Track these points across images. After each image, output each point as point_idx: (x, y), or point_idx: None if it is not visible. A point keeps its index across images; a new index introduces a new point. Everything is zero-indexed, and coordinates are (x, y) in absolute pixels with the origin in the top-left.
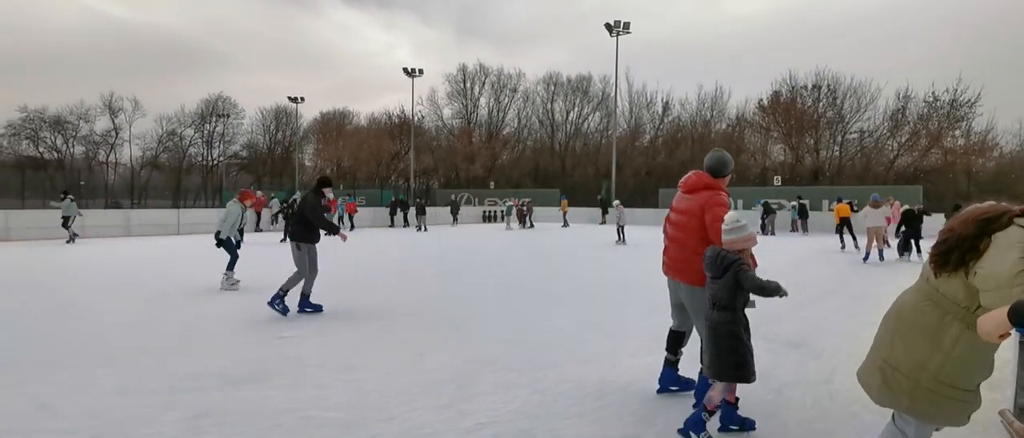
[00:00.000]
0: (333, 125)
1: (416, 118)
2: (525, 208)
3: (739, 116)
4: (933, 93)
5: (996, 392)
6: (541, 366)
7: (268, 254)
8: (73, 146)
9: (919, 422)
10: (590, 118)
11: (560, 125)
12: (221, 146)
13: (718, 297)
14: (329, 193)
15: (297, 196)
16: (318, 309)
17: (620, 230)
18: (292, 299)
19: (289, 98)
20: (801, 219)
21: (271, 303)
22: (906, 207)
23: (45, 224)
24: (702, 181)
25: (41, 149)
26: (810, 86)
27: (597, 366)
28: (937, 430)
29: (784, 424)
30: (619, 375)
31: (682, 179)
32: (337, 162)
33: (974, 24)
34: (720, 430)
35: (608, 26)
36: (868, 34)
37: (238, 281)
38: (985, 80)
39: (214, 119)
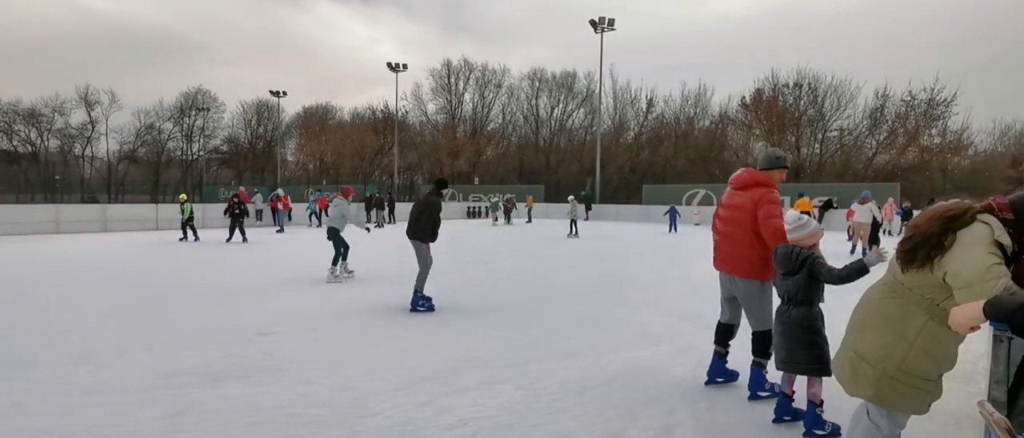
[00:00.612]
0: (316, 120)
1: (400, 113)
2: (508, 204)
3: (722, 113)
4: (910, 92)
5: (971, 385)
6: (525, 361)
7: (254, 252)
8: (48, 139)
9: (891, 412)
10: (575, 114)
11: (545, 121)
12: (201, 140)
13: (793, 293)
14: (446, 193)
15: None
16: (429, 308)
17: (572, 223)
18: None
19: (271, 92)
20: None
21: (413, 306)
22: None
23: (16, 219)
24: (754, 178)
25: (15, 143)
26: (792, 84)
27: (580, 361)
28: (901, 428)
29: (764, 419)
30: (602, 370)
31: (733, 176)
32: (320, 157)
33: (951, 27)
34: (774, 421)
35: (593, 22)
36: (848, 33)
37: (352, 271)
38: (961, 80)
39: (193, 113)
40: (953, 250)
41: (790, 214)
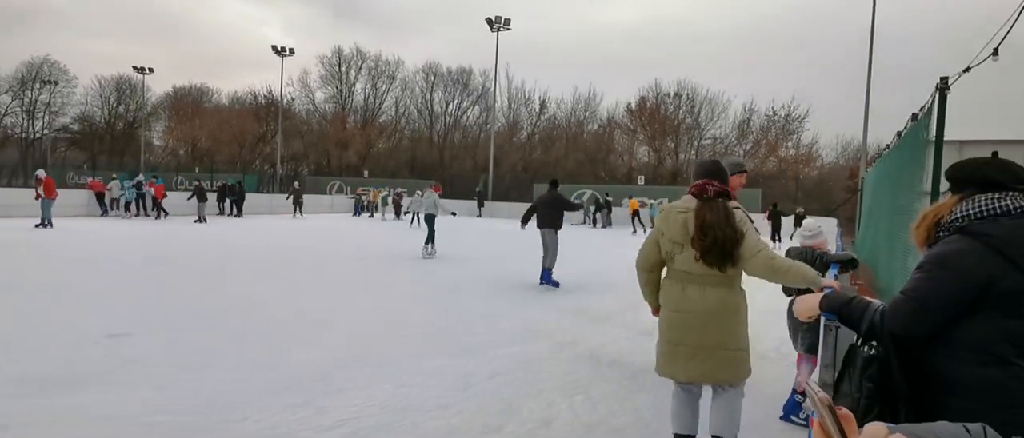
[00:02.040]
0: (188, 101)
1: (285, 100)
2: (400, 199)
3: (610, 118)
4: (772, 108)
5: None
6: (409, 359)
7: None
8: None
9: (739, 387)
10: (470, 111)
11: (439, 116)
12: (46, 117)
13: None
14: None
15: (138, 179)
16: (556, 285)
17: (415, 216)
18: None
19: (134, 68)
20: (603, 213)
21: (542, 281)
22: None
23: None
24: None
25: None
26: (673, 94)
27: (466, 359)
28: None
29: (637, 407)
30: (486, 366)
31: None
32: (192, 143)
33: (805, 52)
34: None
35: (489, 21)
36: (721, 50)
37: (435, 251)
38: (812, 100)
39: (37, 85)
40: (745, 238)
41: (809, 222)
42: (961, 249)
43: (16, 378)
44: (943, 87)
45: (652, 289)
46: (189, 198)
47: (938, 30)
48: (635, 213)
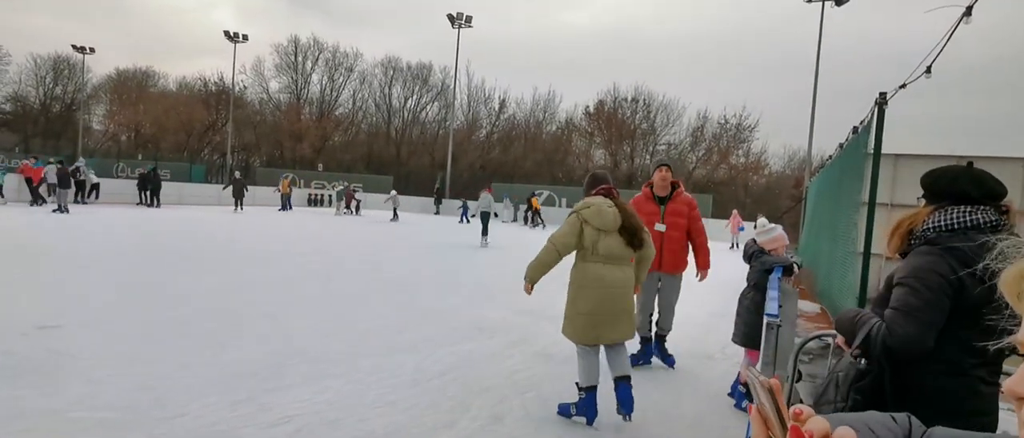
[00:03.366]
0: (132, 85)
1: (237, 88)
2: (351, 192)
3: (568, 120)
4: (725, 116)
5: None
6: (356, 355)
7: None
8: None
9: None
10: (429, 108)
11: (397, 111)
12: None
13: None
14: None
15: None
16: None
17: (395, 212)
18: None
19: (74, 47)
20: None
21: None
22: None
23: None
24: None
25: None
26: (630, 99)
27: (414, 354)
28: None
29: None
30: (436, 363)
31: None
32: (135, 128)
33: (756, 63)
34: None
35: (451, 17)
36: (677, 56)
37: (488, 242)
38: (762, 110)
39: None
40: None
41: (762, 219)
42: (933, 261)
43: None
44: (882, 102)
45: (547, 271)
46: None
47: (880, 47)
48: (537, 210)
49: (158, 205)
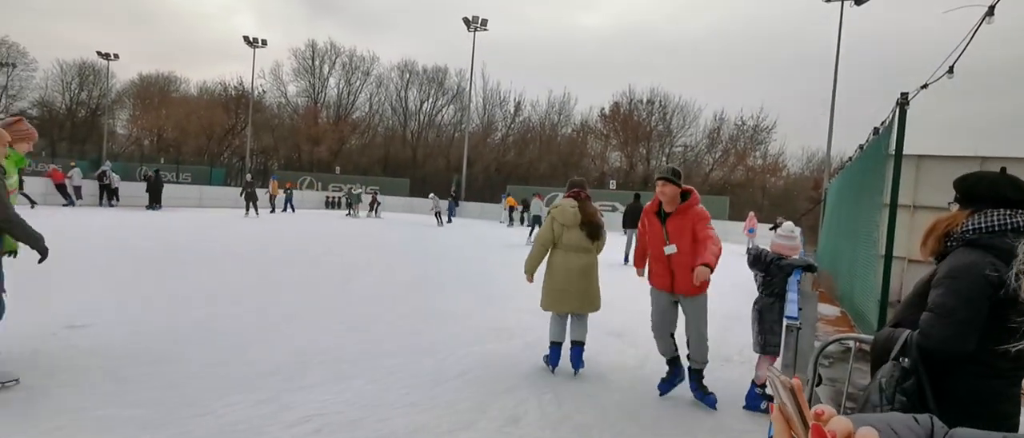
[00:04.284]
0: (155, 90)
1: (256, 92)
2: (374, 195)
3: (583, 122)
4: (742, 118)
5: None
6: (376, 356)
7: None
8: None
9: (588, 314)
10: (444, 111)
11: (413, 114)
12: (2, 101)
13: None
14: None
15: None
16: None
17: (438, 216)
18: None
19: (99, 53)
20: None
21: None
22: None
23: None
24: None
25: None
26: (645, 100)
27: (434, 355)
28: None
29: (603, 406)
30: (455, 364)
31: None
32: (158, 133)
33: (775, 64)
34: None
35: (466, 20)
36: (693, 58)
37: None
38: (780, 111)
39: None
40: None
41: (787, 224)
42: (973, 261)
43: None
44: (903, 102)
45: (539, 262)
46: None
47: (900, 46)
48: (512, 208)
49: (159, 207)
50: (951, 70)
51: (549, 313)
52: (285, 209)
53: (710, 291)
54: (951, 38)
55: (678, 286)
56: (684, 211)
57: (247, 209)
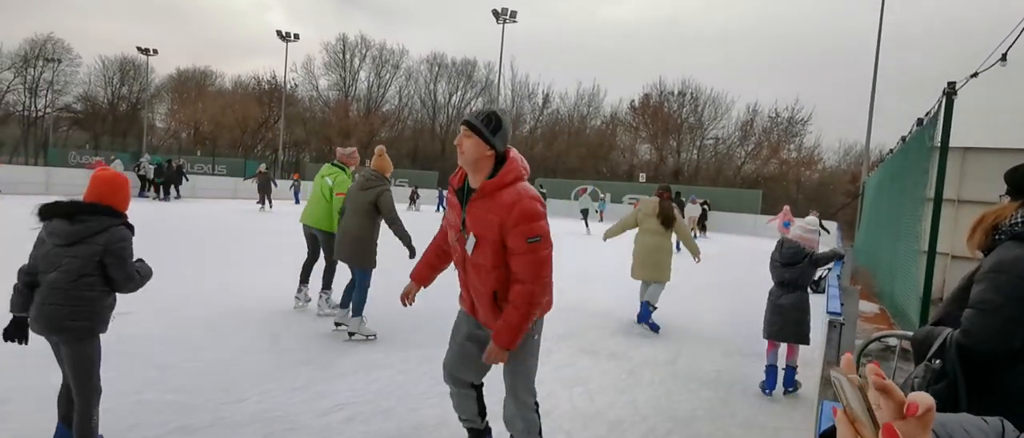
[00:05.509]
0: (192, 84)
1: (289, 86)
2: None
3: (613, 114)
4: (776, 110)
5: (808, 369)
6: (406, 347)
7: None
8: None
9: (662, 283)
10: (473, 103)
11: (442, 107)
12: (49, 96)
13: (792, 278)
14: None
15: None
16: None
17: (584, 214)
18: None
19: (139, 49)
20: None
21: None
22: (703, 201)
23: None
24: None
25: None
26: (676, 92)
27: None
28: None
29: (634, 401)
30: None
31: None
32: (195, 126)
33: (811, 55)
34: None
35: (495, 13)
36: (726, 49)
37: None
38: (816, 103)
39: (40, 63)
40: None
41: (810, 217)
42: (1020, 255)
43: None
44: (950, 92)
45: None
46: None
47: (945, 35)
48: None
49: (171, 197)
50: (1004, 57)
51: (578, 305)
52: (296, 201)
53: (742, 287)
54: (1005, 25)
55: (480, 313)
56: (491, 194)
57: (261, 201)
